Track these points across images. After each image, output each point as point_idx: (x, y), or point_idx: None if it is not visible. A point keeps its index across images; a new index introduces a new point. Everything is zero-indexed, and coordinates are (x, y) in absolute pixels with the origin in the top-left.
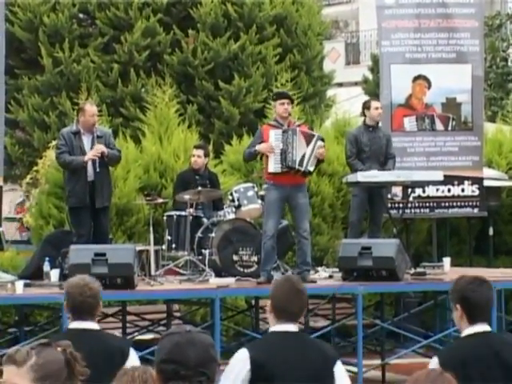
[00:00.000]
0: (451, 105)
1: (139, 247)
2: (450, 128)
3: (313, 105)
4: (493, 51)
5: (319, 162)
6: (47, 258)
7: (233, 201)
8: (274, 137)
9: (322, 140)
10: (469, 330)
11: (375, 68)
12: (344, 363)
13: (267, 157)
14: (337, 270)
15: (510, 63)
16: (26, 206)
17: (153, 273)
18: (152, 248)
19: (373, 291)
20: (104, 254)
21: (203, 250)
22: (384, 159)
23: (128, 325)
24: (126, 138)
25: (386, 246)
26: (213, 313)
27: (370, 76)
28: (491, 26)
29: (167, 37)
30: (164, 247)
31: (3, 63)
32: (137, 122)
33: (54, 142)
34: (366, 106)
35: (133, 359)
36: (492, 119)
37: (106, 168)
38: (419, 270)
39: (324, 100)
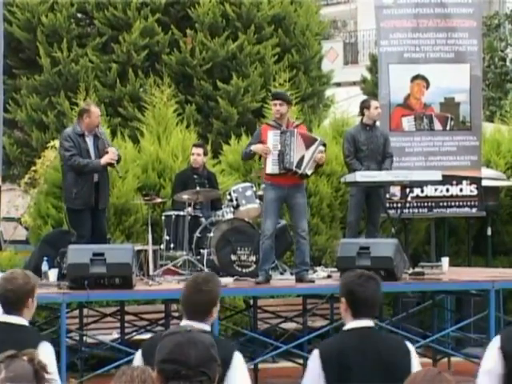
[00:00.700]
0: (449, 104)
1: (137, 247)
2: (448, 128)
3: (311, 105)
4: (491, 51)
5: (318, 166)
6: (45, 258)
7: (231, 200)
8: (272, 138)
9: (324, 145)
10: (351, 324)
11: (373, 68)
12: None
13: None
14: (335, 269)
15: (508, 63)
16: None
17: (151, 273)
18: (150, 248)
19: None
20: (102, 254)
21: (201, 250)
22: (382, 158)
23: (126, 324)
24: (125, 137)
25: (384, 246)
26: None
27: (368, 76)
28: (489, 26)
29: (165, 37)
30: (162, 247)
31: (1, 63)
32: (135, 122)
33: (52, 142)
34: (365, 106)
35: None
36: (490, 119)
37: (107, 169)
38: (417, 269)
39: (322, 100)
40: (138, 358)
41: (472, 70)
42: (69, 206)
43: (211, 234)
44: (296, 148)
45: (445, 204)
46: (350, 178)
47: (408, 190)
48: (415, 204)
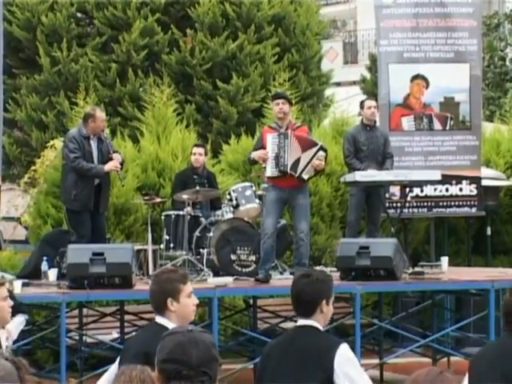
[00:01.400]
0: (449, 104)
1: (137, 246)
2: (448, 127)
3: (311, 104)
4: (491, 51)
5: (317, 172)
6: (45, 258)
7: (231, 200)
8: (270, 140)
9: (325, 151)
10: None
11: (373, 67)
12: None
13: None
14: (335, 269)
15: (507, 63)
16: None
17: (151, 272)
18: (150, 247)
19: (371, 291)
20: (102, 254)
21: (201, 250)
22: (382, 158)
23: (126, 324)
24: (124, 137)
25: (384, 246)
26: (211, 312)
27: (368, 75)
28: (489, 26)
29: (165, 36)
30: (162, 246)
31: (1, 62)
32: (135, 122)
33: (52, 142)
34: (361, 106)
35: None
36: (490, 119)
37: (109, 173)
38: (417, 269)
39: (322, 99)
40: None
41: (472, 69)
42: (68, 206)
43: (211, 234)
44: (290, 151)
45: (444, 204)
46: (349, 177)
47: (408, 189)
48: (415, 204)
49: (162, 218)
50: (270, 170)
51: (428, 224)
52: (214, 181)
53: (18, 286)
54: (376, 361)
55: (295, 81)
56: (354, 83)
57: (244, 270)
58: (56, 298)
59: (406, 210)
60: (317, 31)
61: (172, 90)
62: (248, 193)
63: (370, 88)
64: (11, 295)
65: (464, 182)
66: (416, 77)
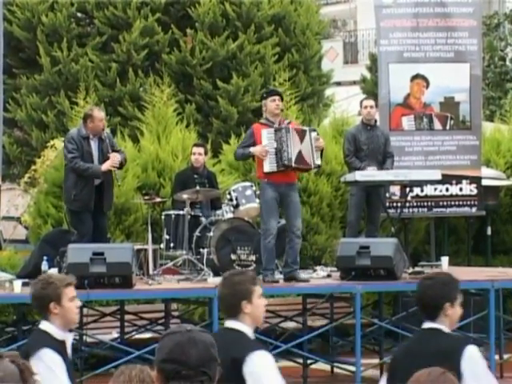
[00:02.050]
0: (449, 104)
1: (137, 246)
2: (448, 127)
3: (311, 104)
4: (491, 50)
5: (322, 151)
6: (45, 257)
7: (231, 200)
8: (266, 136)
9: (314, 130)
10: None
11: (373, 67)
12: (342, 362)
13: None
14: (335, 269)
15: (508, 62)
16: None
17: (151, 272)
18: (150, 247)
19: (371, 290)
20: (102, 253)
21: (201, 249)
22: (382, 158)
23: (126, 324)
24: (124, 137)
25: (384, 245)
26: (211, 312)
27: (368, 75)
28: (489, 26)
29: (165, 36)
30: (162, 246)
31: (1, 62)
32: (135, 121)
33: (52, 142)
34: (361, 105)
35: None
36: (490, 118)
37: (111, 172)
38: (417, 269)
39: (322, 99)
40: None
41: (472, 69)
42: (68, 206)
43: (211, 234)
44: (293, 144)
45: (444, 203)
46: (349, 177)
47: (408, 189)
48: (415, 203)
49: (162, 217)
50: (269, 166)
51: (428, 224)
52: (214, 180)
53: (17, 285)
54: (376, 361)
55: (295, 81)
56: (354, 83)
57: (244, 269)
58: None
59: (406, 210)
60: (317, 31)
61: (172, 90)
62: (248, 192)
63: (370, 88)
64: None
65: (464, 181)
66: (416, 76)
